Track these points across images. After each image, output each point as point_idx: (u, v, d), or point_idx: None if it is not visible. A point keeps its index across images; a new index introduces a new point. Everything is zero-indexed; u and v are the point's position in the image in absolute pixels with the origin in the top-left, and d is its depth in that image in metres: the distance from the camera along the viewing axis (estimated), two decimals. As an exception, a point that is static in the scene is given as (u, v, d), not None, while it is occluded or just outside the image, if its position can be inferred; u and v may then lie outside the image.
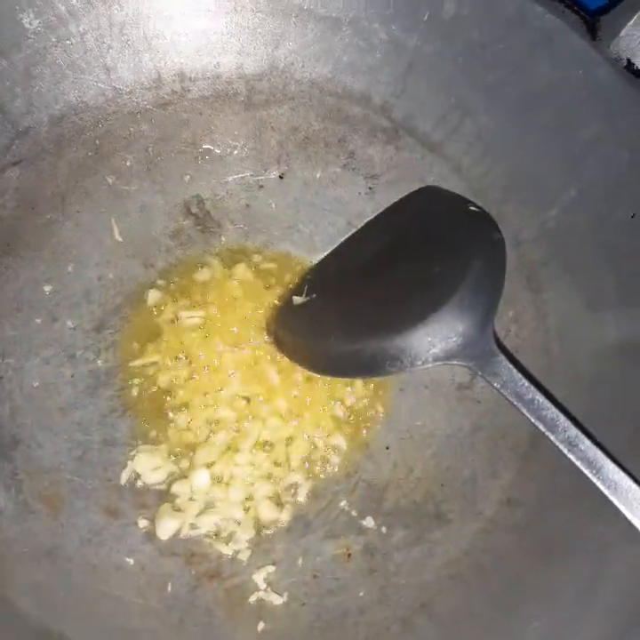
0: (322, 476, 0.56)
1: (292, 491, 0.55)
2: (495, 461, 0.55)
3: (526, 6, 0.57)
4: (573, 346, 0.56)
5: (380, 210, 0.63)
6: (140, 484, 0.55)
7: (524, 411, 0.46)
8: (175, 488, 0.55)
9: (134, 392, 0.57)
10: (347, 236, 0.63)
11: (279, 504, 0.55)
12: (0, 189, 0.60)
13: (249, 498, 0.55)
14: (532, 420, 0.46)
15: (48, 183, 0.61)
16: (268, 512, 0.54)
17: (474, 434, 0.56)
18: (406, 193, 0.63)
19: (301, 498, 0.55)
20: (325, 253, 0.63)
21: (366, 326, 0.53)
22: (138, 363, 0.58)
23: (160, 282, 0.61)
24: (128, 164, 0.63)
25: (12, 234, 0.60)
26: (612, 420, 0.52)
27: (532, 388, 0.47)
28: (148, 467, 0.55)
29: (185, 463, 0.55)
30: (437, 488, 0.54)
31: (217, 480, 0.55)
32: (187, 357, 0.58)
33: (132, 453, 0.55)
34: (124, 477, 0.55)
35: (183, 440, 0.56)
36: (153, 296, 0.60)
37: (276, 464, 0.56)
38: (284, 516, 0.54)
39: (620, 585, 0.46)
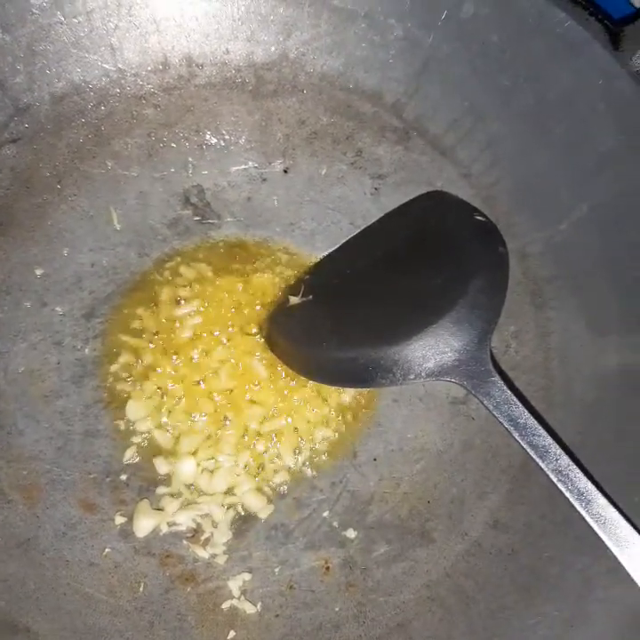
0: (306, 475, 0.55)
1: (277, 488, 0.54)
2: (484, 482, 0.53)
3: (548, 11, 0.55)
4: (573, 368, 0.54)
5: (385, 211, 0.61)
6: (121, 477, 0.54)
7: (516, 435, 0.45)
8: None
9: (118, 384, 0.56)
10: (349, 237, 0.61)
11: (264, 494, 0.54)
12: (-4, 167, 0.58)
13: (231, 492, 0.54)
14: (523, 445, 0.45)
15: (45, 163, 0.60)
16: (253, 501, 0.53)
17: (465, 452, 0.54)
18: (413, 196, 0.61)
19: (284, 498, 0.54)
20: (326, 253, 0.61)
21: (360, 335, 0.51)
22: (125, 344, 0.57)
23: (166, 274, 0.59)
24: (129, 148, 0.61)
25: (5, 213, 0.58)
26: (608, 447, 0.50)
27: (526, 412, 0.45)
28: (139, 414, 0.55)
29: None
30: (423, 505, 0.53)
31: (201, 468, 0.54)
32: (175, 349, 0.57)
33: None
34: (128, 455, 0.54)
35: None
36: (167, 292, 0.59)
37: (261, 458, 0.55)
38: (265, 513, 0.53)
39: (597, 629, 0.44)
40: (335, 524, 0.53)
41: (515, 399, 0.45)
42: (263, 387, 0.57)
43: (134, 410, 0.55)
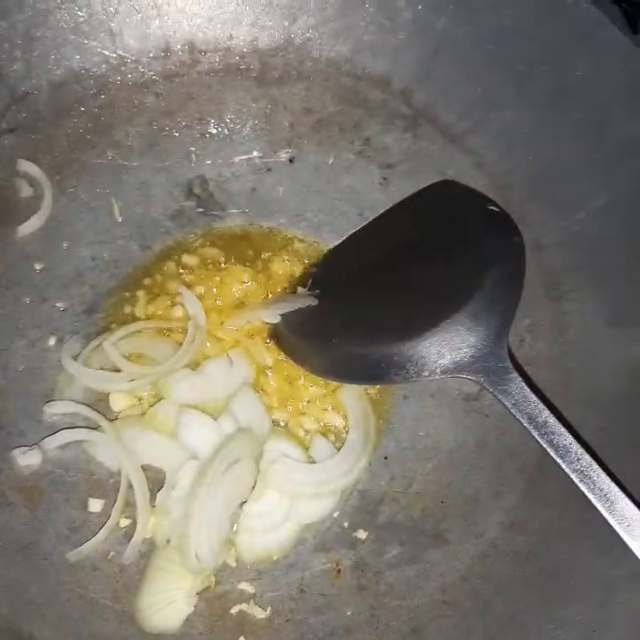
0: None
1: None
2: (500, 481, 0.51)
3: (565, -7, 0.53)
4: (593, 363, 0.52)
5: (395, 201, 0.59)
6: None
7: (535, 434, 0.43)
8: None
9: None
10: (357, 229, 0.59)
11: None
12: (-7, 158, 0.57)
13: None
14: (544, 445, 0.43)
15: (44, 154, 0.58)
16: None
17: (479, 450, 0.53)
18: (423, 186, 0.59)
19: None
20: (333, 245, 0.59)
21: (371, 330, 0.50)
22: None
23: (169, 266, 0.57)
24: (130, 138, 0.59)
25: (2, 206, 0.56)
26: (631, 445, 0.49)
27: (546, 410, 0.44)
28: None
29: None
30: (436, 505, 0.51)
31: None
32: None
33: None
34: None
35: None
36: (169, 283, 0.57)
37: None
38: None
39: (619, 634, 0.43)
40: (345, 524, 0.51)
41: (534, 396, 0.44)
42: (265, 381, 0.55)
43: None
